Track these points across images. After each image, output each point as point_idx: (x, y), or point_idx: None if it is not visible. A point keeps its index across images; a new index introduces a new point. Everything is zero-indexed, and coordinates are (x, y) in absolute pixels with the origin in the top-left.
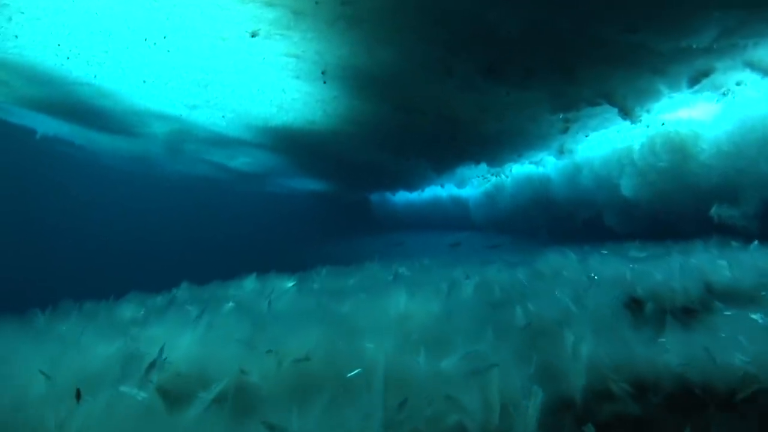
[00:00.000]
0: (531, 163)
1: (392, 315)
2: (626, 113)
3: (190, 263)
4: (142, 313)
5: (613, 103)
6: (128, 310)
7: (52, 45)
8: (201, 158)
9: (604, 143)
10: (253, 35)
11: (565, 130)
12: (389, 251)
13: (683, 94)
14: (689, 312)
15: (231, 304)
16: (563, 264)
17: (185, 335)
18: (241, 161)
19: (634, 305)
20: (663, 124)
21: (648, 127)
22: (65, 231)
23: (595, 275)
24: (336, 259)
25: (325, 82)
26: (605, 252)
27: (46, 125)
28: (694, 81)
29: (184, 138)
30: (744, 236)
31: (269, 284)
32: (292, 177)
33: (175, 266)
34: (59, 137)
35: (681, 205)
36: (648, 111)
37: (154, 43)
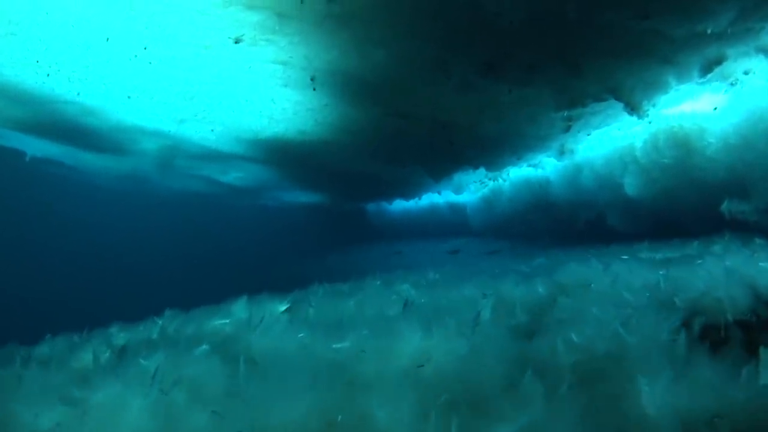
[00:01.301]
0: (529, 165)
1: (406, 360)
2: (633, 108)
3: (185, 281)
4: (101, 361)
5: (619, 98)
6: (89, 353)
7: (30, 62)
8: (193, 174)
9: (605, 142)
10: (237, 41)
11: (567, 129)
12: (388, 262)
13: (687, 87)
14: (747, 328)
15: (205, 347)
16: (587, 274)
17: (135, 401)
18: (233, 176)
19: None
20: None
21: (650, 123)
22: (59, 253)
23: (648, 293)
24: (334, 272)
25: (314, 89)
26: (625, 257)
27: (35, 147)
28: (706, 70)
29: (174, 154)
30: (757, 232)
31: (260, 309)
32: (286, 190)
33: (170, 285)
34: (49, 158)
35: (687, 202)
36: (654, 105)
37: (135, 55)
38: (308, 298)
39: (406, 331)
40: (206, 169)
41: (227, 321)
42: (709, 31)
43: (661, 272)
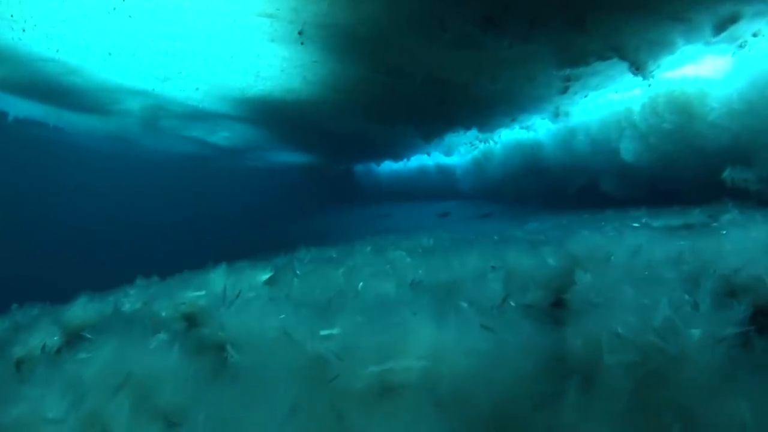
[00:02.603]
0: (522, 128)
1: (415, 364)
2: (638, 67)
3: (170, 244)
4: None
5: (624, 56)
6: (35, 338)
7: (5, 16)
8: (180, 134)
9: (602, 105)
10: None
11: (564, 90)
12: (376, 224)
13: (691, 48)
14: None
15: (162, 335)
16: (602, 244)
17: (48, 428)
18: (220, 136)
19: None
20: None
21: (650, 86)
22: (44, 217)
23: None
24: (321, 233)
25: (302, 44)
26: (636, 225)
27: (18, 107)
28: (719, 29)
29: (159, 114)
30: (757, 200)
31: (240, 278)
32: (274, 150)
33: (154, 247)
34: (32, 119)
35: (686, 169)
36: (659, 66)
37: (114, 8)
38: (293, 266)
39: (413, 321)
40: (192, 130)
41: (202, 293)
42: None
43: (682, 243)
